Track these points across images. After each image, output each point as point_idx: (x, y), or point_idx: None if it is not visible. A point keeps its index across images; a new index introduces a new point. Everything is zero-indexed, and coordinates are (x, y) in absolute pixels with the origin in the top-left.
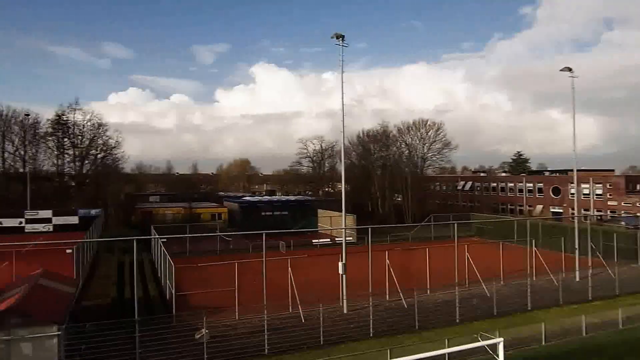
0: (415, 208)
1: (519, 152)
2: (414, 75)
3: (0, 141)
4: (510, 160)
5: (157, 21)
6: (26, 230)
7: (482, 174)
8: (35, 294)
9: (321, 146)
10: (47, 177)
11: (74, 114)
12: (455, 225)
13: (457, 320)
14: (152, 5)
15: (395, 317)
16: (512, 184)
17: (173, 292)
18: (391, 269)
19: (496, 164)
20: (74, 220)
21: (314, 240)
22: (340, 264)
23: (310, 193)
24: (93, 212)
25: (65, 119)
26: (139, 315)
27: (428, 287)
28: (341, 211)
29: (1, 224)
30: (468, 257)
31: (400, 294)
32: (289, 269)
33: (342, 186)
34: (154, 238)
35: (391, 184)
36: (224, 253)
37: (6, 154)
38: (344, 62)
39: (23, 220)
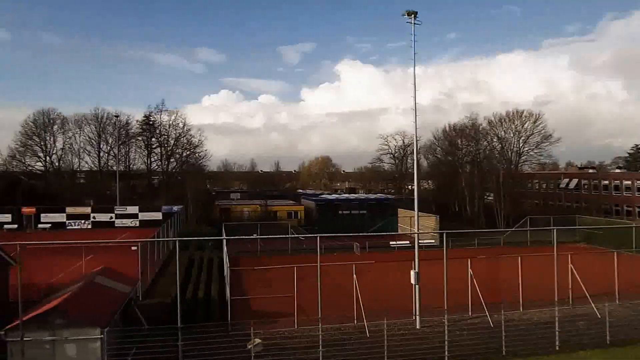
0: (508, 208)
1: (637, 145)
2: (510, 65)
3: (96, 141)
4: (627, 155)
5: (247, 25)
6: (116, 225)
7: (590, 171)
8: (85, 294)
9: (403, 142)
10: (138, 174)
11: (160, 115)
12: (556, 229)
13: (557, 347)
14: (242, 10)
15: (477, 338)
16: (628, 182)
17: (228, 295)
18: (474, 280)
19: (608, 159)
20: (157, 216)
21: (391, 242)
22: (412, 272)
23: (393, 191)
24: (175, 208)
25: (152, 120)
26: (194, 317)
27: (520, 303)
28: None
29: (95, 218)
30: (572, 269)
31: (485, 309)
32: (354, 275)
33: (415, 184)
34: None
35: (481, 181)
36: (296, 253)
37: (102, 153)
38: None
39: (113, 215)
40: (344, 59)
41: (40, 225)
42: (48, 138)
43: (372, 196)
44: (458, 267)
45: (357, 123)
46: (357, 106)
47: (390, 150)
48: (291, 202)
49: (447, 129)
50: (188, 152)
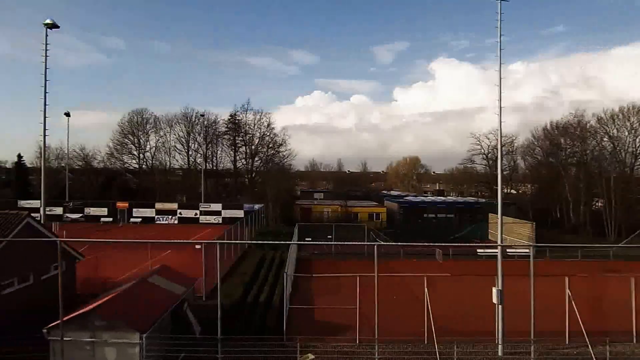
0: (621, 217)
1: None
2: (627, 58)
3: (186, 139)
4: None
5: (340, 26)
6: (200, 221)
7: None
8: (133, 294)
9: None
10: (226, 172)
11: (246, 114)
12: None
13: None
14: (335, 12)
15: None
16: None
17: (285, 304)
18: (572, 302)
19: None
20: (239, 213)
21: (479, 251)
22: (494, 290)
23: (486, 194)
24: (256, 207)
25: (238, 119)
26: (250, 324)
27: (633, 333)
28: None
29: (181, 214)
30: None
31: (587, 339)
32: (425, 288)
33: (499, 187)
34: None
35: (588, 186)
36: (373, 257)
37: (191, 151)
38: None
39: (198, 212)
40: (438, 58)
41: (132, 220)
42: (142, 137)
43: (460, 199)
44: (555, 284)
45: (452, 123)
46: (452, 105)
47: (482, 151)
48: (374, 203)
49: (549, 127)
50: (273, 152)
